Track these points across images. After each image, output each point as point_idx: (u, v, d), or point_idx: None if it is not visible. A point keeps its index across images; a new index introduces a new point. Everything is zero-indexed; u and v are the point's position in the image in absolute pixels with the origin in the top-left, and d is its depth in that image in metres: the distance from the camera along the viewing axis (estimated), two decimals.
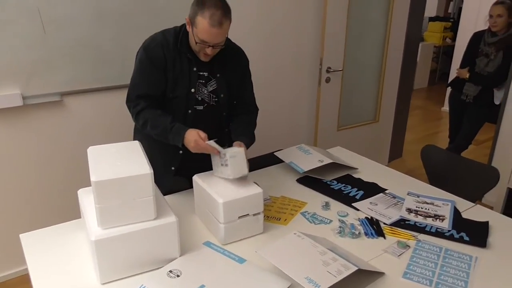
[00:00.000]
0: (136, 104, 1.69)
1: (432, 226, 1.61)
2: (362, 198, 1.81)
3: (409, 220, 1.65)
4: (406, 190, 1.88)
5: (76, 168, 2.41)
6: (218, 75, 1.75)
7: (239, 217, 1.48)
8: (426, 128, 5.39)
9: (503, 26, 3.08)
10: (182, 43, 1.68)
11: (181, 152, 1.75)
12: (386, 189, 1.90)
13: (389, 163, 3.99)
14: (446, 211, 1.71)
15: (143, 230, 1.30)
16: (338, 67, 3.15)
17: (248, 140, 1.74)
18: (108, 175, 1.25)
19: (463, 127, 3.43)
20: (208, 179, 1.57)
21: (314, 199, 1.80)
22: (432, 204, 1.77)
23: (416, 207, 1.74)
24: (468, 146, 3.45)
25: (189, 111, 1.73)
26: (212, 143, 1.54)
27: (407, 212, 1.70)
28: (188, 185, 1.80)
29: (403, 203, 1.78)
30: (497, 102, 3.19)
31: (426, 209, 1.73)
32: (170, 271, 1.32)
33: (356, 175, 2.02)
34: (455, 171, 2.20)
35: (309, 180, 1.94)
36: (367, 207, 1.73)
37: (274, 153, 2.11)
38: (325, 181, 1.94)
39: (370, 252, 1.46)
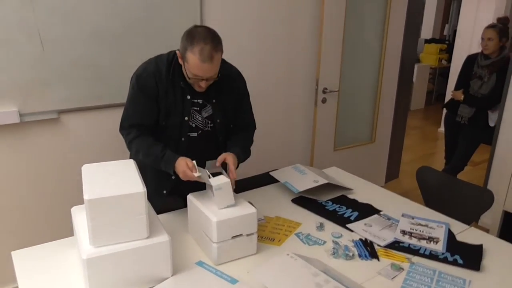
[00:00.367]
0: (128, 132, 1.71)
1: (426, 249, 1.61)
2: (357, 219, 1.81)
3: (403, 242, 1.65)
4: (400, 212, 1.88)
5: (71, 186, 2.40)
6: (213, 100, 1.74)
7: (233, 237, 1.47)
8: (423, 148, 5.41)
9: (495, 49, 3.13)
10: (175, 73, 1.67)
11: (173, 177, 1.74)
12: (381, 211, 1.90)
13: (385, 183, 3.99)
14: (440, 233, 1.71)
15: (135, 249, 1.29)
16: (334, 87, 3.18)
17: (242, 153, 1.74)
18: (101, 193, 1.25)
19: (458, 148, 3.45)
20: (202, 198, 1.57)
21: (308, 220, 1.79)
22: (427, 226, 1.77)
23: (411, 229, 1.74)
24: (464, 167, 3.47)
25: (183, 139, 1.72)
26: (201, 173, 1.55)
27: (401, 234, 1.70)
28: (182, 204, 1.80)
29: (397, 224, 1.78)
30: (491, 124, 3.22)
31: (420, 231, 1.73)
32: None
33: (351, 196, 2.03)
34: (450, 193, 2.20)
35: (304, 200, 1.94)
36: (361, 229, 1.73)
37: (270, 173, 2.11)
38: (320, 201, 1.94)
39: (364, 274, 1.45)
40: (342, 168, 2.38)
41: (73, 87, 2.30)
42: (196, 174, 1.55)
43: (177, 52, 1.63)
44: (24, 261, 1.48)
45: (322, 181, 1.97)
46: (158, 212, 1.68)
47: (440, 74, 7.79)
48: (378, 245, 1.62)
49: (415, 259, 1.55)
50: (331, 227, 1.74)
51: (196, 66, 1.54)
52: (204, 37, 1.52)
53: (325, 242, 1.63)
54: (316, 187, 1.95)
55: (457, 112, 3.39)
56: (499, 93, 3.09)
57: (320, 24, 2.99)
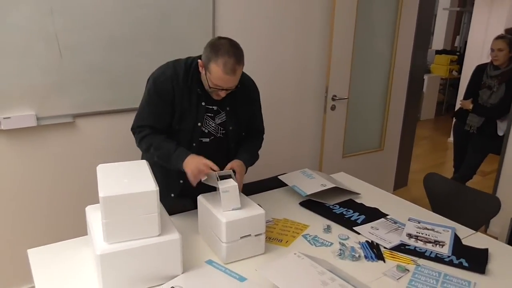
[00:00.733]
0: (140, 130, 1.75)
1: (432, 252, 1.63)
2: (364, 222, 1.84)
3: (409, 245, 1.67)
4: (407, 216, 1.90)
5: (85, 187, 2.46)
6: (228, 108, 1.79)
7: (241, 237, 1.51)
8: (433, 158, 5.41)
9: (505, 60, 3.16)
10: (193, 79, 1.72)
11: (181, 181, 1.79)
12: (388, 215, 1.92)
13: (394, 191, 3.99)
14: (446, 237, 1.73)
15: (147, 246, 1.34)
16: (343, 95, 3.22)
17: (250, 157, 1.78)
18: (115, 191, 1.31)
19: (467, 157, 3.46)
20: (212, 199, 1.61)
21: (316, 222, 1.83)
22: (433, 230, 1.79)
23: (417, 232, 1.76)
24: (473, 176, 3.47)
25: (194, 144, 1.76)
26: (209, 176, 1.60)
27: (407, 237, 1.72)
28: (191, 206, 1.84)
29: (403, 228, 1.80)
30: (500, 133, 3.23)
31: (426, 234, 1.75)
32: (172, 287, 1.35)
33: (358, 200, 2.05)
34: (457, 199, 2.22)
35: (312, 203, 1.98)
36: (368, 231, 1.76)
37: (278, 177, 2.15)
38: (327, 205, 1.98)
39: (370, 275, 1.47)
40: (350, 174, 2.41)
41: (88, 92, 2.37)
42: (203, 179, 1.60)
43: (199, 61, 1.68)
44: (40, 259, 1.52)
45: (329, 185, 2.01)
46: (169, 213, 1.73)
47: (450, 85, 7.79)
48: (384, 247, 1.64)
49: (421, 261, 1.57)
50: (338, 229, 1.78)
51: (219, 77, 1.60)
52: (228, 50, 1.58)
53: (332, 243, 1.67)
54: (323, 191, 1.99)
55: (466, 121, 3.40)
56: (508, 103, 3.11)
57: (330, 33, 3.04)
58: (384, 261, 1.56)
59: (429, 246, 1.66)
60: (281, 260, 1.41)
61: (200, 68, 1.68)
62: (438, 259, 1.58)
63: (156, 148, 1.71)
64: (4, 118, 2.17)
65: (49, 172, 2.39)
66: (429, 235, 1.74)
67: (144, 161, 1.56)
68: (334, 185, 2.01)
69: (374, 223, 1.83)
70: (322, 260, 1.48)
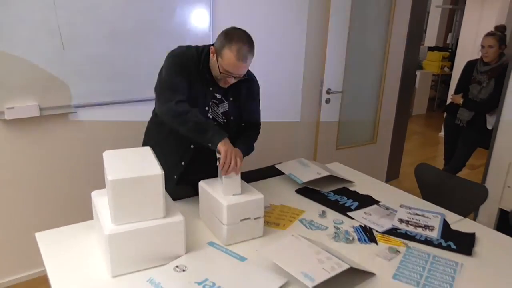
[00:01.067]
0: (173, 94, 1.71)
1: (422, 235, 1.71)
2: (357, 208, 1.92)
3: (400, 229, 1.76)
4: (399, 203, 1.99)
5: (86, 175, 2.53)
6: (231, 98, 1.87)
7: (241, 220, 1.59)
8: (424, 152, 5.52)
9: (494, 56, 3.26)
10: (204, 65, 1.79)
11: (183, 163, 1.85)
12: (380, 201, 2.01)
13: (386, 183, 4.08)
14: (435, 222, 1.82)
15: (152, 227, 1.41)
16: (338, 89, 3.30)
17: (246, 148, 1.84)
18: (123, 175, 1.37)
19: (457, 150, 3.56)
20: (213, 184, 1.68)
21: (311, 208, 1.91)
22: (423, 216, 1.88)
23: (408, 218, 1.85)
24: (462, 168, 3.57)
25: None
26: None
27: (399, 222, 1.81)
28: (192, 193, 1.92)
29: (395, 214, 1.89)
30: (489, 127, 3.33)
31: (417, 220, 1.84)
32: (177, 266, 1.42)
33: (352, 188, 2.14)
34: (446, 188, 2.31)
35: (308, 191, 2.06)
36: (361, 216, 1.84)
37: (275, 166, 2.23)
38: (322, 192, 2.06)
39: (363, 256, 1.56)
40: None
41: (90, 84, 2.43)
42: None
43: (211, 47, 1.75)
44: (48, 242, 1.58)
45: (324, 173, 2.09)
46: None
47: (442, 81, 7.91)
48: (377, 231, 1.73)
49: (411, 244, 1.65)
50: (332, 214, 1.86)
51: (231, 63, 1.66)
52: (242, 38, 1.66)
53: (327, 227, 1.75)
54: (318, 179, 2.07)
55: (456, 115, 3.50)
56: (497, 98, 3.21)
57: (326, 28, 3.12)
58: (377, 244, 1.65)
59: (419, 230, 1.75)
60: (280, 241, 1.49)
61: (212, 55, 1.75)
62: (427, 242, 1.67)
63: (196, 115, 1.67)
64: (8, 108, 2.22)
65: (51, 161, 2.45)
66: (419, 220, 1.83)
67: (148, 147, 1.63)
68: (329, 173, 2.09)
69: (367, 209, 1.92)
70: (318, 242, 1.56)
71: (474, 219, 3.25)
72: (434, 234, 1.72)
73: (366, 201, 2.00)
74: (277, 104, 3.24)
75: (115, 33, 2.43)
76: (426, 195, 2.32)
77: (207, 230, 1.69)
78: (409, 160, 4.89)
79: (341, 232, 1.69)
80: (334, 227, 1.75)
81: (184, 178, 1.90)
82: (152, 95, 1.86)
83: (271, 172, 2.22)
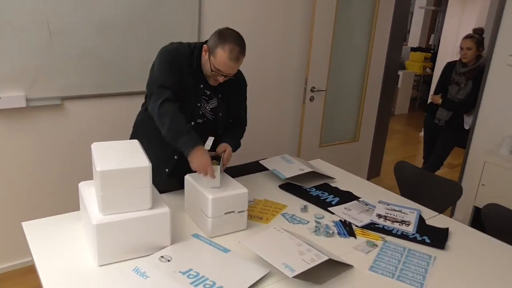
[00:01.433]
0: (161, 91, 1.74)
1: (398, 230, 1.79)
2: (338, 204, 1.99)
3: (378, 224, 1.83)
4: (378, 199, 2.07)
5: (72, 166, 2.55)
6: (219, 95, 1.92)
7: (226, 213, 1.63)
8: (405, 151, 5.64)
9: (472, 58, 3.36)
10: (197, 62, 1.83)
11: (176, 157, 1.90)
12: (360, 197, 2.08)
13: (367, 180, 4.18)
14: (412, 218, 1.90)
15: (139, 218, 1.44)
16: (322, 87, 3.37)
17: (232, 145, 1.90)
18: (111, 166, 1.40)
19: (435, 149, 3.67)
20: (199, 178, 1.72)
21: (294, 203, 1.97)
22: (400, 211, 1.96)
23: (386, 213, 1.93)
24: (440, 166, 3.68)
25: (192, 123, 1.87)
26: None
27: (377, 217, 1.88)
28: (180, 186, 1.96)
29: (374, 209, 1.96)
30: (466, 127, 3.45)
31: (394, 215, 1.91)
32: (162, 257, 1.47)
33: (333, 184, 2.21)
34: (424, 185, 2.39)
35: (290, 186, 2.12)
36: (341, 212, 1.91)
37: (259, 161, 2.28)
38: (304, 187, 2.12)
39: (342, 249, 1.62)
40: None
41: (77, 76, 2.44)
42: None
43: (204, 46, 1.79)
44: (35, 232, 1.60)
45: (307, 169, 2.15)
46: (160, 191, 1.83)
47: (424, 82, 8.07)
48: (356, 226, 1.80)
49: (388, 238, 1.73)
50: (314, 209, 1.92)
51: (223, 62, 1.72)
52: (236, 39, 1.72)
53: (308, 221, 1.81)
54: (301, 175, 2.13)
55: (435, 115, 3.61)
56: (474, 99, 3.32)
57: (311, 27, 3.18)
58: (355, 238, 1.72)
59: (396, 225, 1.82)
60: (262, 233, 1.54)
61: (204, 53, 1.79)
62: (403, 236, 1.75)
63: (171, 121, 1.70)
64: None
65: (38, 152, 2.46)
66: (396, 216, 1.91)
67: (136, 140, 1.66)
68: (311, 170, 2.16)
69: (347, 205, 1.99)
70: (299, 235, 1.62)
71: (451, 215, 3.37)
72: (410, 229, 1.80)
73: (346, 197, 2.07)
74: (262, 101, 3.29)
75: (104, 25, 2.44)
76: (404, 192, 2.41)
77: (192, 222, 1.74)
78: (390, 158, 5.00)
79: (322, 226, 1.75)
80: (315, 221, 1.81)
81: (176, 171, 1.94)
82: (140, 88, 1.90)
83: (255, 167, 2.28)
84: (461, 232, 1.82)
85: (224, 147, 1.85)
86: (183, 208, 1.84)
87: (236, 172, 2.11)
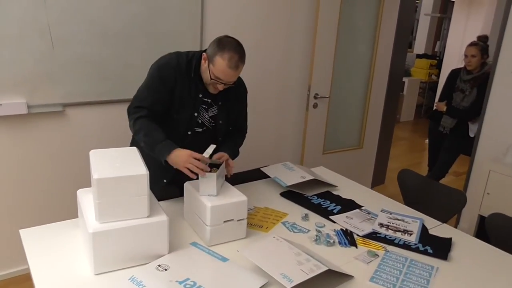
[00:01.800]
0: (136, 111, 1.80)
1: (400, 239, 1.76)
2: (339, 212, 1.96)
3: (380, 233, 1.80)
4: (380, 208, 2.04)
5: (73, 173, 2.54)
6: (220, 103, 1.91)
7: (224, 221, 1.61)
8: (410, 158, 5.60)
9: (477, 65, 3.34)
10: (195, 71, 1.82)
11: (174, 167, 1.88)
12: (362, 206, 2.05)
13: (371, 188, 4.14)
14: (414, 227, 1.87)
15: (136, 226, 1.43)
16: (325, 94, 3.35)
17: (231, 153, 1.88)
18: (108, 174, 1.39)
19: (440, 157, 3.63)
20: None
21: (295, 211, 1.95)
22: (403, 220, 1.93)
23: (388, 222, 1.90)
24: (445, 174, 3.65)
25: (189, 132, 1.87)
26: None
27: (379, 226, 1.85)
28: (178, 194, 1.94)
29: (376, 218, 1.93)
30: (471, 134, 3.41)
31: (396, 224, 1.88)
32: (159, 265, 1.45)
33: (335, 192, 2.18)
34: (427, 194, 2.36)
35: (292, 194, 2.09)
36: (343, 220, 1.88)
37: (261, 169, 2.26)
38: (306, 195, 2.10)
39: (342, 259, 1.60)
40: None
41: (78, 83, 2.44)
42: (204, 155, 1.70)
43: (203, 54, 1.79)
44: (32, 239, 1.59)
45: (309, 177, 2.13)
46: (158, 199, 1.82)
47: (430, 89, 8.03)
48: (357, 235, 1.77)
49: (390, 247, 1.70)
50: (315, 218, 1.90)
51: (222, 70, 1.71)
52: (235, 47, 1.71)
53: (309, 230, 1.79)
54: (303, 183, 2.11)
55: (440, 123, 3.57)
56: (479, 106, 3.28)
57: (314, 34, 3.17)
58: (357, 247, 1.69)
59: (398, 235, 1.79)
60: (261, 242, 1.52)
61: (203, 61, 1.78)
62: (405, 246, 1.72)
63: (146, 134, 1.75)
64: None
65: (37, 159, 2.45)
66: (399, 225, 1.88)
67: (135, 147, 1.65)
68: (313, 177, 2.14)
69: (349, 213, 1.96)
70: (299, 244, 1.60)
71: (456, 224, 3.33)
72: (413, 239, 1.77)
73: (348, 205, 2.04)
74: (265, 108, 3.28)
75: (106, 33, 2.45)
76: (408, 200, 2.38)
77: (191, 230, 1.72)
78: (395, 166, 4.96)
79: (322, 235, 1.73)
80: (316, 230, 1.79)
81: (176, 178, 1.92)
82: None
83: (256, 175, 2.26)
84: (464, 242, 1.79)
85: (219, 155, 1.82)
86: (181, 215, 1.82)
87: (237, 179, 2.08)
